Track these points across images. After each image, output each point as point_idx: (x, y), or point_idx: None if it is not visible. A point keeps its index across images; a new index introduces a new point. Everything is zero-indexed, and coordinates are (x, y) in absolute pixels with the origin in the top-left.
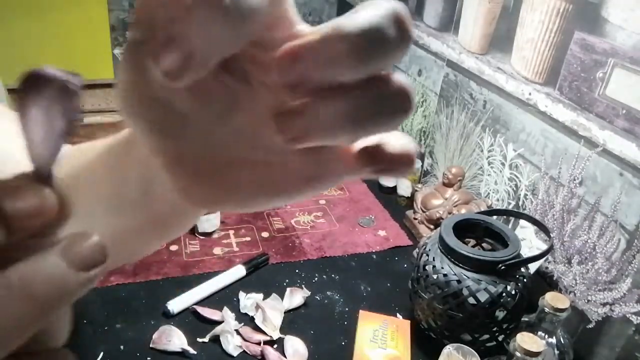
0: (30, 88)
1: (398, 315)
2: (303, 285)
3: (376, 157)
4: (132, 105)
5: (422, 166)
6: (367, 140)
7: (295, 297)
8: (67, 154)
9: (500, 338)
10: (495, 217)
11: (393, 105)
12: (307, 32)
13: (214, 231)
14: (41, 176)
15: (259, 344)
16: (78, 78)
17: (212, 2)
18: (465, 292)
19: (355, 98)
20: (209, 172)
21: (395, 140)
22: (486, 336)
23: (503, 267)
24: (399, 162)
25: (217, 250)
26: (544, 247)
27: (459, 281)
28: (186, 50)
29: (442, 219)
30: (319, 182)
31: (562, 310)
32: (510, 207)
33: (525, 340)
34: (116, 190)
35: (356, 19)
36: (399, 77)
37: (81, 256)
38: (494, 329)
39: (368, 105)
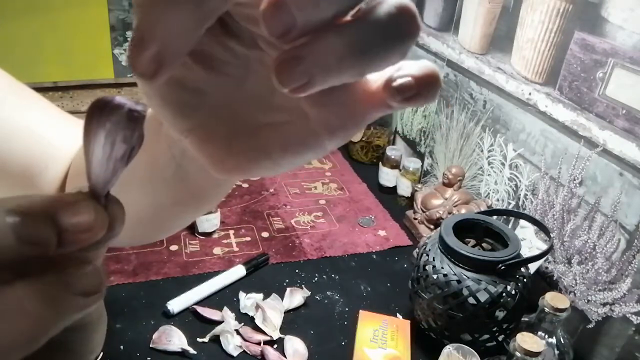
0: (98, 113)
1: (398, 315)
2: (303, 285)
3: (403, 85)
4: (152, 95)
5: (422, 166)
6: (385, 72)
7: (295, 297)
8: None
9: (500, 338)
10: (495, 217)
11: (395, 30)
12: None
13: (214, 231)
14: (96, 195)
15: (259, 344)
16: (142, 106)
17: None
18: (465, 292)
19: (353, 30)
20: (237, 142)
21: (414, 64)
22: (486, 336)
23: (503, 267)
24: (426, 84)
25: (217, 250)
26: (544, 247)
27: (459, 281)
28: (154, 50)
29: (442, 219)
30: (344, 130)
31: (562, 310)
32: (510, 207)
33: (525, 340)
34: (148, 170)
35: None
36: None
37: (79, 283)
38: (494, 329)
39: (367, 35)
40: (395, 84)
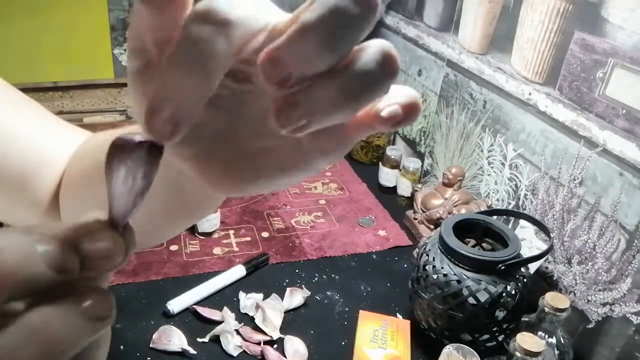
0: (120, 151)
1: (398, 315)
2: (303, 285)
3: (391, 114)
4: None
5: (422, 166)
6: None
7: (295, 297)
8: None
9: (500, 338)
10: (495, 217)
11: (381, 74)
12: (280, 27)
13: (214, 231)
14: (116, 225)
15: (259, 344)
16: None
17: (178, 64)
18: (465, 292)
19: (344, 78)
20: (235, 165)
21: (399, 93)
22: (486, 336)
23: (503, 267)
24: (410, 111)
25: (217, 250)
26: (544, 247)
27: (459, 281)
28: (169, 113)
29: (442, 219)
30: (334, 153)
31: (562, 310)
32: (510, 207)
33: (525, 340)
34: None
35: (316, 7)
36: (377, 44)
37: (95, 308)
38: (494, 329)
39: (358, 82)
40: (384, 113)
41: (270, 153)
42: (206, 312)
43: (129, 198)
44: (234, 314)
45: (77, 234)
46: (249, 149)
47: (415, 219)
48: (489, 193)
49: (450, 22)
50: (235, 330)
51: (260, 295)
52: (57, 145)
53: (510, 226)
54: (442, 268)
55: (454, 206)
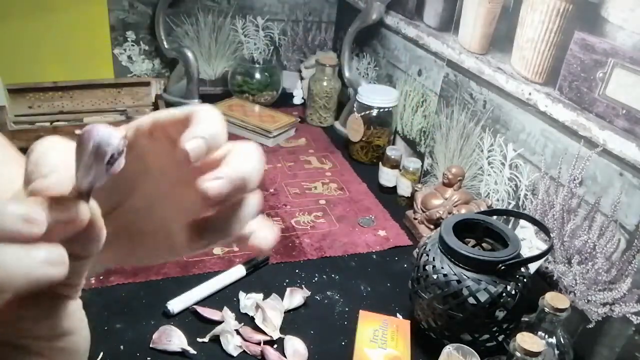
0: (87, 134)
1: (398, 315)
2: (303, 285)
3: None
4: None
5: (422, 166)
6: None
7: (295, 297)
8: None
9: (500, 338)
10: (495, 217)
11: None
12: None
13: None
14: (81, 193)
15: (259, 344)
16: (123, 140)
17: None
18: (465, 292)
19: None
20: (123, 245)
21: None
22: (486, 336)
23: (503, 267)
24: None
25: (217, 250)
26: (544, 247)
27: (459, 281)
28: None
29: (442, 219)
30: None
31: (562, 310)
32: (510, 207)
33: (525, 340)
34: None
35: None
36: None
37: (45, 254)
38: (494, 329)
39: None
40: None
41: (151, 235)
42: (206, 312)
43: (94, 169)
44: (234, 314)
45: (44, 200)
46: (137, 230)
47: (415, 219)
48: (489, 193)
49: (450, 22)
50: (235, 330)
51: (260, 295)
52: (6, 178)
53: (510, 226)
54: (442, 268)
55: (454, 206)
